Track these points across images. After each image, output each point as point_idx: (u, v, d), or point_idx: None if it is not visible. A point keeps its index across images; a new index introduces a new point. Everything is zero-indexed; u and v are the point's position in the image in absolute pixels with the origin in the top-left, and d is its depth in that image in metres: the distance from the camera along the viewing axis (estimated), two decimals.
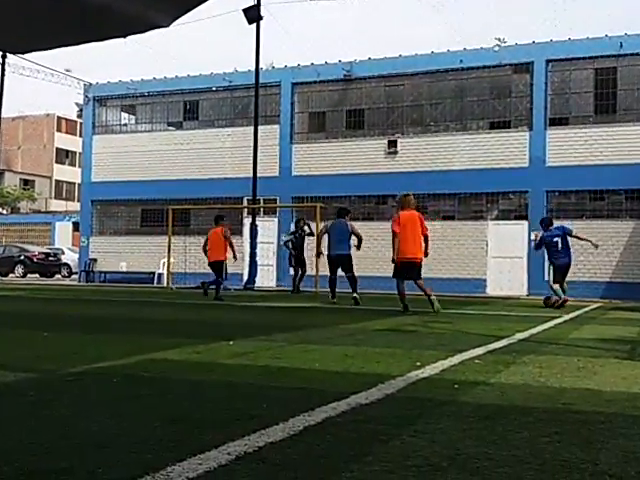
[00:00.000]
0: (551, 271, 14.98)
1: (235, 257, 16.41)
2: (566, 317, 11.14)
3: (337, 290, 14.65)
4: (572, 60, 22.10)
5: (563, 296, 13.98)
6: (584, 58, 21.91)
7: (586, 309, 13.82)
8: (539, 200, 21.92)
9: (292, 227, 22.16)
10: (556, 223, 19.43)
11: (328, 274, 14.85)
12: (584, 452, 2.74)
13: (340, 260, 14.58)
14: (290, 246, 19.95)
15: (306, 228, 19.48)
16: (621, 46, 21.32)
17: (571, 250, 14.74)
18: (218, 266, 15.82)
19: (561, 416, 3.43)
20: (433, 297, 11.83)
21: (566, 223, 21.34)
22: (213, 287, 15.92)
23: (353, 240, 14.92)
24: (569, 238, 14.58)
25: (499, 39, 24.94)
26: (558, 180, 21.66)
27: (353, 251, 14.83)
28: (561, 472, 2.47)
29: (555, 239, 14.48)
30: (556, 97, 22.48)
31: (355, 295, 14.21)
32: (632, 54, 21.30)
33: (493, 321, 10.00)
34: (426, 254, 12.44)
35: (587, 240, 15.36)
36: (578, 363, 5.39)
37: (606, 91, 21.86)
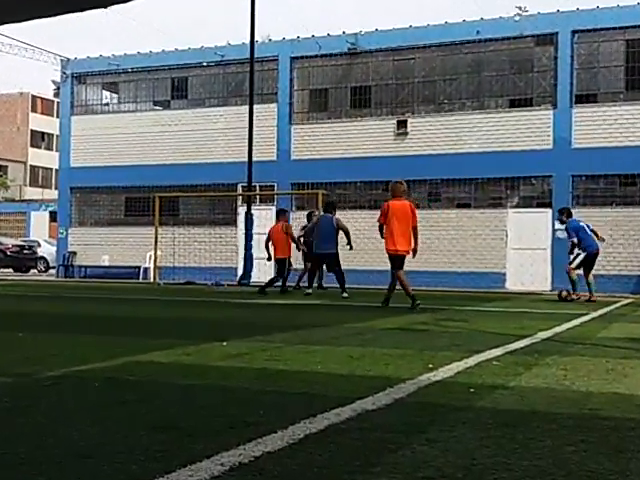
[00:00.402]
0: (576, 260, 15.38)
1: (299, 249, 17.31)
2: (594, 314, 11.13)
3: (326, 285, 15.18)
4: (601, 31, 21.98)
5: (577, 291, 14.93)
6: (614, 28, 21.79)
7: (616, 305, 13.80)
8: (564, 186, 21.85)
9: (296, 220, 22.11)
10: (580, 210, 19.58)
11: (306, 266, 15.79)
12: (613, 462, 2.74)
13: (327, 258, 15.44)
14: (302, 241, 19.83)
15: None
16: None
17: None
18: (282, 263, 16.67)
19: (588, 423, 3.43)
20: (390, 295, 12.35)
21: (593, 211, 21.50)
22: (278, 285, 16.79)
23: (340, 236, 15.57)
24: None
25: (520, 8, 24.84)
26: (585, 163, 21.56)
27: (357, 244, 15.10)
28: None
29: (581, 223, 15.28)
30: (583, 72, 22.39)
31: (345, 295, 14.84)
32: None
33: (513, 319, 9.99)
34: (415, 250, 12.29)
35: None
36: (607, 365, 5.39)
37: (638, 65, 21.76)
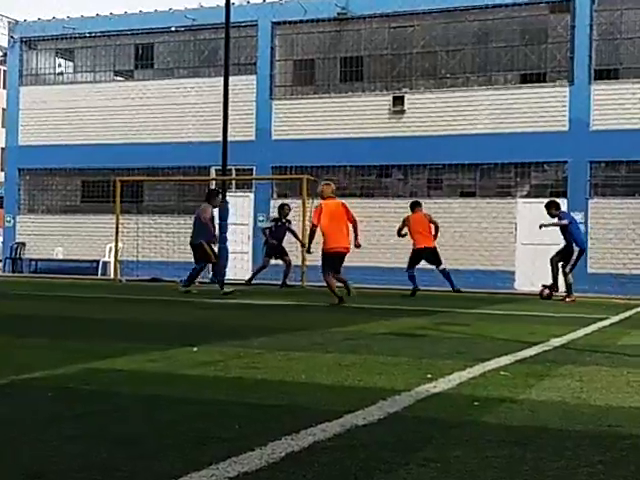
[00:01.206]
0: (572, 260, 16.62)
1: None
2: (614, 319, 11.17)
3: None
4: None
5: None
6: None
7: (638, 309, 13.87)
8: (580, 173, 21.88)
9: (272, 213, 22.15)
10: (598, 202, 19.86)
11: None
12: None
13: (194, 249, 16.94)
14: (267, 233, 20.21)
15: (290, 218, 19.94)
16: None
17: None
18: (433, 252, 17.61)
19: (606, 441, 3.44)
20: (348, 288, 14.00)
21: (614, 202, 21.60)
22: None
23: None
24: None
25: None
26: (605, 148, 21.57)
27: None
28: None
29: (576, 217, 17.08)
30: (603, 43, 22.41)
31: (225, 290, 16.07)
32: None
33: (523, 323, 10.03)
34: (357, 245, 14.24)
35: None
36: (628, 376, 5.41)
37: None
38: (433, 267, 18.14)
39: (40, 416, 3.77)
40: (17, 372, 4.93)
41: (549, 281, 16.78)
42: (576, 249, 16.49)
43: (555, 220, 16.57)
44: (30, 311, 11.14)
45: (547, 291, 16.47)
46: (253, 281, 20.42)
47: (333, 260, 13.73)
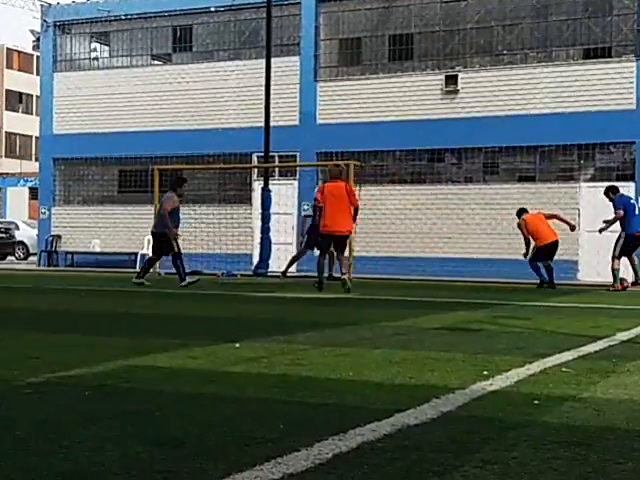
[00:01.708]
0: (617, 248, 16.93)
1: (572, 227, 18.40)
2: None
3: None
4: None
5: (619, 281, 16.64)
6: None
7: None
8: None
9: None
10: None
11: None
12: None
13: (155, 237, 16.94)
14: (309, 221, 20.14)
15: None
16: None
17: None
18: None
19: None
20: (346, 277, 14.50)
21: None
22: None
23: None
24: None
25: None
26: None
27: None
28: None
29: (632, 201, 17.07)
30: None
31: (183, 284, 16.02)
32: None
33: (587, 316, 9.94)
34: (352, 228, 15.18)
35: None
36: None
37: None
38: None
39: (77, 416, 3.81)
40: (54, 370, 4.98)
41: (622, 272, 16.93)
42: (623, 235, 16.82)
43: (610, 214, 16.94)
44: (66, 306, 11.26)
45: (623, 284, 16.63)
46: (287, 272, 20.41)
47: (326, 240, 14.71)
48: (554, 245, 17.36)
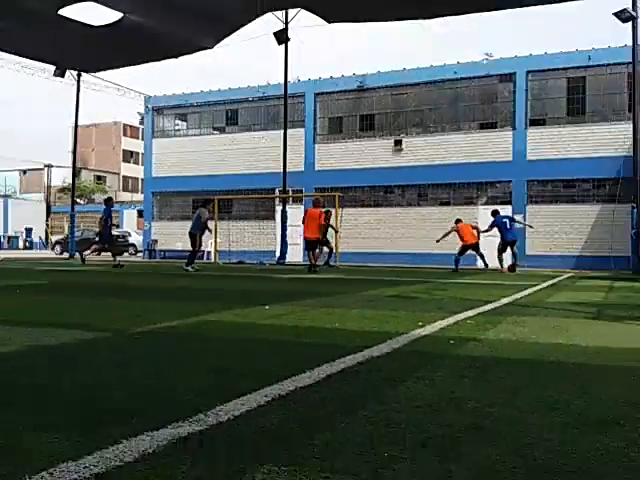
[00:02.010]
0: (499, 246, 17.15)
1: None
2: (543, 285, 11.07)
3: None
4: (548, 71, 21.78)
5: (504, 266, 16.87)
6: (558, 69, 21.59)
7: (560, 278, 13.71)
8: (521, 188, 21.79)
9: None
10: (533, 207, 19.65)
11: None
12: (559, 395, 2.74)
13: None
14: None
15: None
16: (589, 59, 21.02)
17: (515, 230, 17.26)
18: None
19: (539, 366, 3.43)
20: (314, 263, 15.47)
21: (543, 207, 21.41)
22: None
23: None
24: (515, 223, 17.23)
25: (487, 53, 24.55)
26: (537, 171, 21.50)
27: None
28: (540, 412, 2.48)
29: (504, 220, 16.86)
30: (535, 102, 22.18)
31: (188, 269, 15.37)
32: (598, 65, 20.98)
33: (482, 289, 9.96)
34: (324, 236, 16.22)
35: (525, 224, 18.65)
36: (553, 322, 5.37)
37: (576, 96, 21.55)
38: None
39: (167, 351, 3.84)
40: (152, 324, 4.99)
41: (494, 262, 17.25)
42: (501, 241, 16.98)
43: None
44: (157, 284, 11.27)
45: (505, 268, 16.78)
46: (330, 263, 18.80)
47: (307, 243, 15.80)
48: (473, 245, 17.14)
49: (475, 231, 17.58)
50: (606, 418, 2.39)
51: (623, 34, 17.69)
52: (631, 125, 17.93)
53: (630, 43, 17.13)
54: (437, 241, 17.59)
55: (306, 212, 15.89)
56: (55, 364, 3.34)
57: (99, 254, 20.12)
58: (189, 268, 15.23)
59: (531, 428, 2.25)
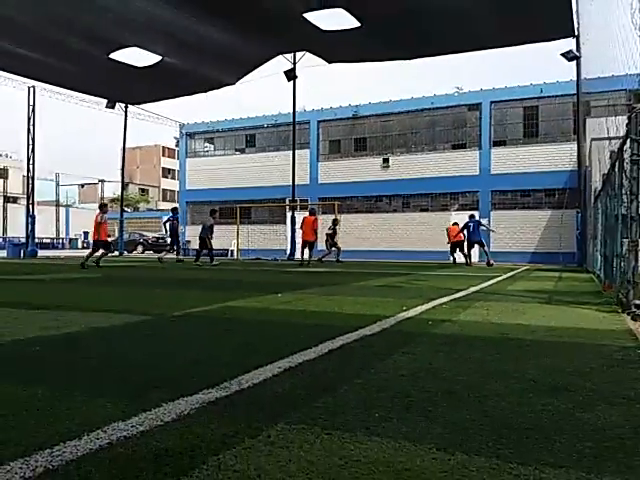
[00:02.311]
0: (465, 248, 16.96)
1: None
2: (504, 276, 11.04)
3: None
4: (508, 101, 21.72)
5: (470, 261, 16.67)
6: (516, 100, 21.54)
7: (518, 270, 13.68)
8: (486, 197, 21.72)
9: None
10: (496, 212, 19.52)
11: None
12: (517, 366, 2.74)
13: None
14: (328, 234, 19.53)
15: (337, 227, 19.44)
16: (541, 91, 21.00)
17: (480, 233, 16.58)
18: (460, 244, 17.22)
19: (501, 342, 3.42)
20: (306, 258, 15.75)
21: (505, 212, 21.33)
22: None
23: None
24: (481, 226, 16.63)
25: (458, 87, 24.53)
26: (499, 183, 21.45)
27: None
28: (502, 380, 2.48)
29: (470, 224, 16.48)
30: (497, 126, 22.12)
31: (214, 264, 15.15)
32: (549, 96, 20.95)
33: (454, 279, 9.93)
34: (315, 238, 15.72)
35: (489, 228, 18.07)
36: (512, 306, 5.36)
37: (531, 122, 21.50)
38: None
39: (200, 331, 3.83)
40: (186, 309, 4.99)
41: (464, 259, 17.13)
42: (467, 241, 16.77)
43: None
44: (191, 277, 11.26)
45: (472, 263, 16.70)
46: (323, 259, 18.50)
47: (304, 244, 15.74)
48: (458, 243, 16.93)
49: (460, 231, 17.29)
50: (556, 385, 2.39)
51: (569, 70, 17.64)
52: (575, 145, 17.93)
53: (575, 78, 17.10)
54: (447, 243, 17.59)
55: (303, 220, 15.89)
56: (106, 342, 3.35)
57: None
58: (215, 263, 15.21)
59: (494, 393, 2.25)
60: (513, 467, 1.55)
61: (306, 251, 16.00)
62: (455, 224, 17.60)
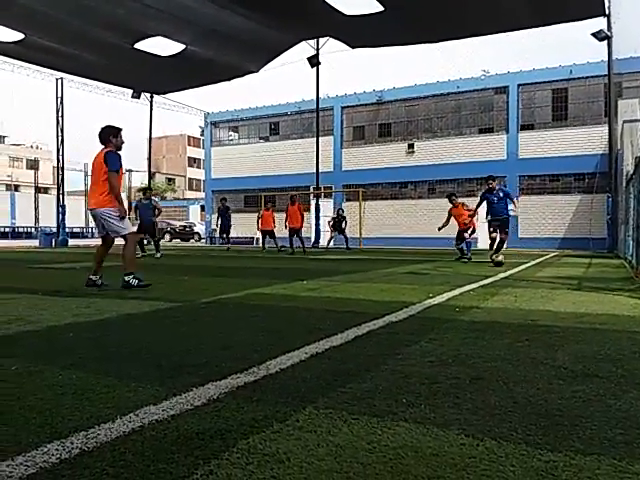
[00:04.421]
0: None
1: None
2: (533, 262, 10.87)
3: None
4: (536, 84, 21.21)
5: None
6: (544, 82, 21.02)
7: (547, 257, 13.44)
8: (514, 182, 21.31)
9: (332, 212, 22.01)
10: (524, 197, 19.10)
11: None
12: (546, 353, 2.71)
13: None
14: (331, 223, 19.62)
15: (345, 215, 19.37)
16: (571, 72, 20.42)
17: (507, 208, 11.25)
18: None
19: (530, 328, 3.38)
20: (288, 247, 15.79)
21: (533, 198, 20.92)
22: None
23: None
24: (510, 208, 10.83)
25: (484, 70, 24.00)
26: (527, 168, 21.04)
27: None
28: (530, 366, 2.45)
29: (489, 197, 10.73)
30: (525, 110, 21.64)
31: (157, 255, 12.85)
32: (579, 78, 20.37)
33: (482, 267, 9.83)
34: (301, 225, 15.65)
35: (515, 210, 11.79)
36: (541, 293, 5.28)
37: (560, 104, 20.97)
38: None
39: (227, 317, 3.87)
40: (215, 295, 5.06)
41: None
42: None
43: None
44: (219, 264, 11.36)
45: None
46: (330, 245, 19.67)
47: (291, 231, 15.60)
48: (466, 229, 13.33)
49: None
50: (586, 371, 2.35)
51: (600, 50, 17.10)
52: (606, 128, 17.41)
53: (606, 58, 16.57)
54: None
55: (287, 209, 15.86)
56: (138, 328, 3.42)
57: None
58: (158, 255, 12.89)
59: (523, 379, 2.23)
60: (542, 453, 1.53)
61: (300, 239, 15.81)
62: (462, 205, 12.93)
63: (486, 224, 10.58)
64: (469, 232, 12.45)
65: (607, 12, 15.27)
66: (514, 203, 10.32)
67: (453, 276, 7.43)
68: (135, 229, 10.77)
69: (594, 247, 18.13)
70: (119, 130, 5.76)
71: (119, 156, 5.63)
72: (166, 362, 2.49)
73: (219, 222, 18.63)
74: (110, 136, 5.67)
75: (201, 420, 1.76)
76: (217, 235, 27.84)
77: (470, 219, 12.21)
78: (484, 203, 10.31)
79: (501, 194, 10.03)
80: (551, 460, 1.50)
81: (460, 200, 14.46)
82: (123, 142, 5.76)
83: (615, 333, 3.23)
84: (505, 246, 10.33)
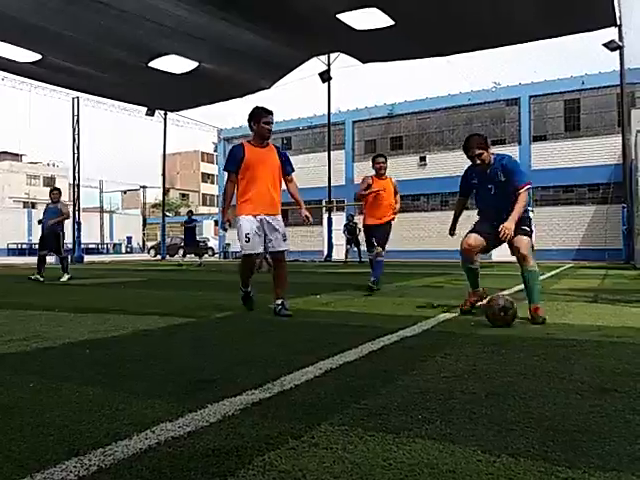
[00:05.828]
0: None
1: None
2: (548, 274, 10.75)
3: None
4: (547, 95, 21.19)
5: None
6: (556, 93, 20.98)
7: (562, 268, 13.29)
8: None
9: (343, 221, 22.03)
10: (537, 209, 18.96)
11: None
12: (563, 366, 2.67)
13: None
14: (346, 233, 19.62)
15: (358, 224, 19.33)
16: (583, 83, 20.36)
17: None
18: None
19: (546, 342, 3.34)
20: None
21: (546, 209, 20.76)
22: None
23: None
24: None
25: (495, 82, 24.07)
26: (540, 179, 20.85)
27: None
28: (547, 381, 2.42)
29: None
30: (537, 121, 21.59)
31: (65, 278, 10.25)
32: (591, 88, 20.30)
33: (497, 279, 9.75)
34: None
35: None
36: (557, 305, 5.23)
37: (572, 115, 20.89)
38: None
39: (243, 332, 3.87)
40: (229, 310, 5.05)
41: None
42: None
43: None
44: (233, 278, 11.38)
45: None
46: (348, 258, 19.62)
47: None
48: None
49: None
50: (605, 386, 2.32)
51: (612, 60, 17.09)
52: (620, 138, 17.28)
53: (618, 68, 16.50)
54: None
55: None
56: (153, 344, 3.44)
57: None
58: (64, 278, 10.22)
59: (540, 394, 2.20)
60: (561, 470, 1.51)
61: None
62: None
63: None
64: None
65: (618, 22, 15.25)
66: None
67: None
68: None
69: (610, 258, 17.91)
70: (260, 112, 4.25)
71: (232, 151, 4.29)
72: (181, 378, 2.50)
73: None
74: (250, 121, 4.29)
75: (217, 437, 1.76)
76: (231, 250, 28.03)
77: None
78: None
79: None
80: (570, 477, 1.48)
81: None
82: (268, 129, 4.23)
83: (633, 346, 3.18)
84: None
